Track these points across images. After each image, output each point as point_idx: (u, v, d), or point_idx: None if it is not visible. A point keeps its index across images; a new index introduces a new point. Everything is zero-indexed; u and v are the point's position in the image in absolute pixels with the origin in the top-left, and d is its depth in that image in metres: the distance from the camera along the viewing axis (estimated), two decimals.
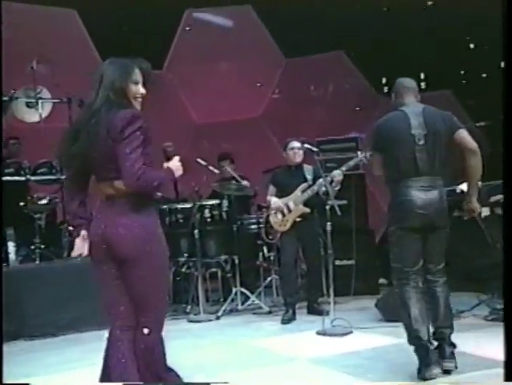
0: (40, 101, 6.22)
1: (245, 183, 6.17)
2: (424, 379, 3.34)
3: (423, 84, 7.18)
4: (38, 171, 6.05)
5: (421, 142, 3.43)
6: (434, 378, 3.33)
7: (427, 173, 3.44)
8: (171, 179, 2.65)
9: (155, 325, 2.64)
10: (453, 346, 3.52)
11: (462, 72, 7.84)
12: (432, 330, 3.52)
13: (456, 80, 8.07)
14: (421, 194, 3.43)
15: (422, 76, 6.81)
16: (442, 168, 3.50)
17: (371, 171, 3.80)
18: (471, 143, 3.45)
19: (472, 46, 7.50)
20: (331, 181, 5.08)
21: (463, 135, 3.47)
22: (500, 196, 4.72)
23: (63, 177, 5.96)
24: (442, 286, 3.57)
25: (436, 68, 6.99)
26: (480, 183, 4.73)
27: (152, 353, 2.62)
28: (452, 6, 6.65)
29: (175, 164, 2.66)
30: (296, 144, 5.53)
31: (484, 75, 7.78)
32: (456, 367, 3.45)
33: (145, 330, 2.61)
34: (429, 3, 7.04)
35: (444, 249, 3.59)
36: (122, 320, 2.63)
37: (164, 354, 2.69)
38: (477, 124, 6.35)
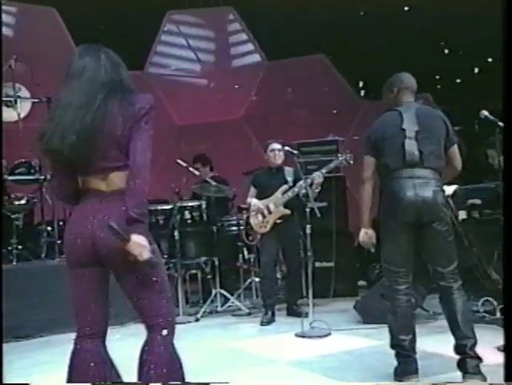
0: (19, 100, 6.15)
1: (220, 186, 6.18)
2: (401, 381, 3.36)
3: None
4: (16, 171, 5.98)
5: (412, 135, 3.37)
6: None
7: (418, 165, 3.34)
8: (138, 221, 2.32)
9: (170, 325, 2.53)
10: (478, 358, 3.24)
11: (437, 77, 7.96)
12: (453, 342, 3.30)
13: (431, 85, 8.17)
14: (411, 184, 3.31)
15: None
16: (438, 162, 3.38)
17: (362, 174, 3.52)
18: (459, 162, 3.48)
19: (446, 51, 7.60)
20: (311, 183, 5.11)
21: (454, 151, 3.48)
22: (476, 200, 4.79)
23: (42, 177, 5.92)
24: (458, 291, 3.33)
25: (413, 72, 7.15)
26: (457, 186, 4.82)
27: (172, 356, 2.51)
28: (428, 11, 6.74)
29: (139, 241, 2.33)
30: (276, 146, 5.55)
31: (458, 81, 7.89)
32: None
33: (164, 332, 2.49)
34: (406, 8, 7.13)
35: (451, 248, 3.37)
36: (89, 328, 2.50)
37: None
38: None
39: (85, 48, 2.56)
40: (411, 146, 3.37)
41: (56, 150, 2.38)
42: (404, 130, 3.41)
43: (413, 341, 3.37)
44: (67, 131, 2.36)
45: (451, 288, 3.33)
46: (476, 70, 7.34)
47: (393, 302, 3.38)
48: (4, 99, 6.16)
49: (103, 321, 2.55)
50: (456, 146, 3.49)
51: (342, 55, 8.24)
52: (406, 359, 3.35)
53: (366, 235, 3.54)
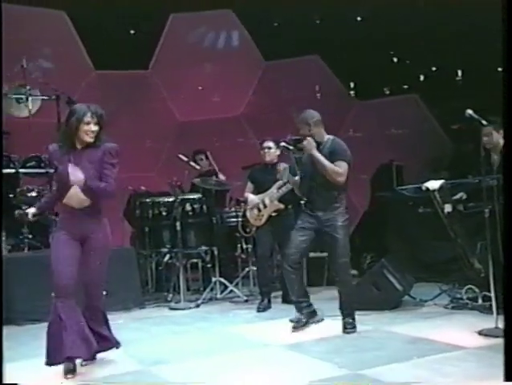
0: (30, 98, 6.17)
1: (221, 177, 6.20)
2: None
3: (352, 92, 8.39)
4: (28, 164, 6.00)
5: None
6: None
7: None
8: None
9: None
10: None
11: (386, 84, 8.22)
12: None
13: (380, 90, 8.36)
14: None
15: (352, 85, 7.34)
16: None
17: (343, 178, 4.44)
18: None
19: (395, 59, 7.92)
20: None
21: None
22: (461, 194, 4.82)
23: (52, 171, 5.93)
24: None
25: (366, 77, 7.57)
26: (444, 181, 4.85)
27: None
28: (378, 22, 6.97)
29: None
30: (268, 144, 5.57)
31: (405, 87, 8.13)
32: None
33: None
34: (358, 18, 7.40)
35: None
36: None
37: None
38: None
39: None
40: None
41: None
42: None
43: (307, 295, 4.57)
44: None
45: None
46: (421, 77, 7.84)
47: (287, 275, 4.49)
48: (16, 96, 6.18)
49: None
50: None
51: (332, 57, 8.38)
52: (308, 309, 4.50)
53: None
